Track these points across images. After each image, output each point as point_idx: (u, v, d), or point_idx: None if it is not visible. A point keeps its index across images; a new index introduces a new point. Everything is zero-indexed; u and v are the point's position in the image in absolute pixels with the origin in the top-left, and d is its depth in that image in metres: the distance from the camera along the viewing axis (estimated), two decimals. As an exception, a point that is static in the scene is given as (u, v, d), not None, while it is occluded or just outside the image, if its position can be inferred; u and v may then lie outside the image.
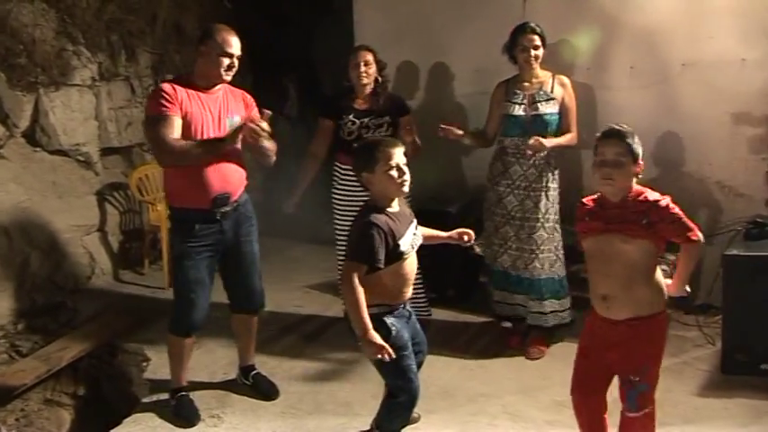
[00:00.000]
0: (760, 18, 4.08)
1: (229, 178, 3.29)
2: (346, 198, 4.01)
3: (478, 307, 4.46)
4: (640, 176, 2.58)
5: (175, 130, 3.13)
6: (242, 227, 3.40)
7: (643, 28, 4.35)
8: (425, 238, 2.94)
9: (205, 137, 3.21)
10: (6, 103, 4.54)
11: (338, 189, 4.07)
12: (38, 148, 4.79)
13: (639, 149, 2.54)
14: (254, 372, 3.70)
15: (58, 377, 3.96)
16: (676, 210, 2.53)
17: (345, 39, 5.16)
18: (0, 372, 3.83)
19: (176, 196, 3.31)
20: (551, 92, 3.88)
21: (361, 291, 2.60)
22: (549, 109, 3.86)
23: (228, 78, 3.28)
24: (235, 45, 3.23)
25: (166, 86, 3.20)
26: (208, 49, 3.22)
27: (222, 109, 3.29)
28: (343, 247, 4.08)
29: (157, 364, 3.90)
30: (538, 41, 3.81)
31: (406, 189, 2.71)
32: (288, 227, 6.21)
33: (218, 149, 3.18)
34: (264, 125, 3.15)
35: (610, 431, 2.73)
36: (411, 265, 2.77)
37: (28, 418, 3.77)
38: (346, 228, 4.01)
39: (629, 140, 2.53)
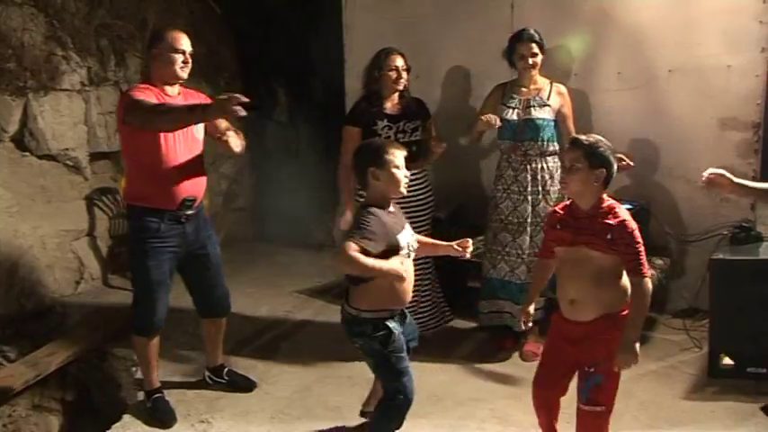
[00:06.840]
0: (746, 25, 4.12)
1: (197, 183, 3.35)
2: None
3: (467, 312, 4.46)
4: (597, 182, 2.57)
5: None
6: (202, 232, 3.45)
7: (630, 34, 4.38)
8: (423, 245, 3.02)
9: (179, 142, 3.23)
10: (-5, 107, 4.53)
11: None
12: (26, 153, 4.77)
13: (602, 157, 2.56)
14: (227, 369, 3.77)
15: (47, 382, 3.95)
16: (638, 239, 2.56)
17: (335, 43, 5.18)
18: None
19: (143, 196, 3.27)
20: (547, 99, 3.91)
21: (356, 253, 2.57)
22: (542, 114, 3.87)
23: (185, 75, 3.30)
24: (185, 42, 3.27)
25: (137, 90, 3.22)
26: (159, 51, 3.26)
27: None
28: None
29: (146, 369, 3.89)
30: (535, 49, 3.83)
31: (404, 191, 2.77)
32: (276, 231, 6.21)
33: (203, 116, 3.00)
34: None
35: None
36: (409, 269, 2.80)
37: (16, 423, 3.76)
38: None
39: (587, 148, 2.56)
